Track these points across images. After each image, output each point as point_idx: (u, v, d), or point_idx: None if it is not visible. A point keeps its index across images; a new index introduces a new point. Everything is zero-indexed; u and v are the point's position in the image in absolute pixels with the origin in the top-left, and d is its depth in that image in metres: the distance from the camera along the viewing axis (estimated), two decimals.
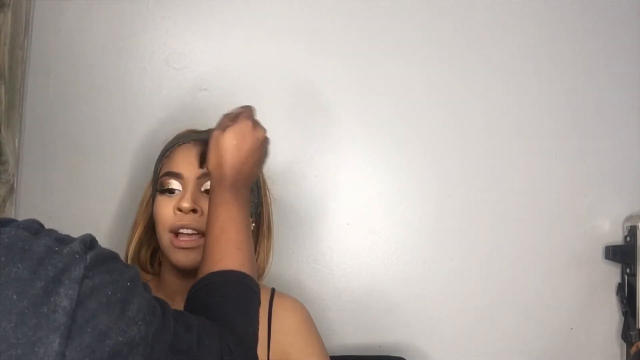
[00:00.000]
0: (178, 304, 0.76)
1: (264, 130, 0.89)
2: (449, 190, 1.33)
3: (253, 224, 1.02)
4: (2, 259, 0.48)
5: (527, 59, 1.36)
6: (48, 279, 0.48)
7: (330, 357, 1.02)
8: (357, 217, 1.31)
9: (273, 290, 1.02)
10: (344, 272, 1.30)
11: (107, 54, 1.28)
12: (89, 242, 0.53)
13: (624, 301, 1.30)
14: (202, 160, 0.94)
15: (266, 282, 1.07)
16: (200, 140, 0.98)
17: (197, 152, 0.96)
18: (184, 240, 0.92)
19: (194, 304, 0.73)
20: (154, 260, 1.07)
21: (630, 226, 1.31)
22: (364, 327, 1.29)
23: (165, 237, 0.94)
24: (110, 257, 0.54)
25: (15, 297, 0.47)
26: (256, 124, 0.88)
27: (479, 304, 1.31)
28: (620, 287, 1.32)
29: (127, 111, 1.28)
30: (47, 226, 0.56)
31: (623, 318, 1.31)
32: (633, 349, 1.26)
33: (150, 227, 1.01)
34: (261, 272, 1.05)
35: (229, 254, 0.76)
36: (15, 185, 1.24)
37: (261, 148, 0.89)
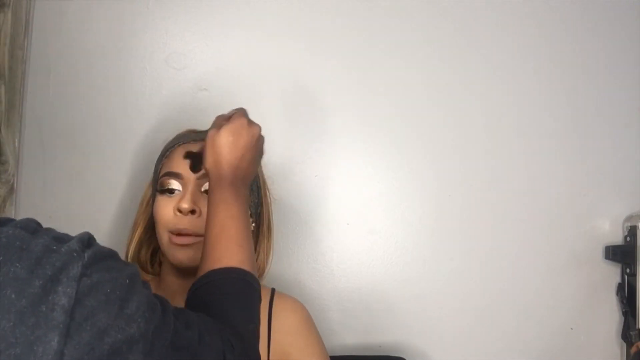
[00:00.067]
0: (178, 304, 0.75)
1: (259, 127, 0.89)
2: (449, 190, 1.33)
3: (253, 224, 1.02)
4: (0, 259, 0.48)
5: (527, 59, 1.36)
6: (46, 277, 0.48)
7: (330, 357, 1.01)
8: (357, 217, 1.31)
9: (273, 291, 1.02)
10: (344, 272, 1.30)
11: (107, 54, 1.28)
12: (87, 241, 0.53)
13: (624, 301, 1.30)
14: (195, 165, 0.94)
15: (266, 282, 1.07)
16: (201, 141, 0.98)
17: (189, 159, 0.96)
18: (182, 237, 0.92)
19: (195, 302, 0.73)
20: (154, 261, 1.07)
21: (630, 226, 1.31)
22: (364, 327, 1.29)
23: (164, 236, 0.94)
24: (108, 255, 0.54)
25: (13, 296, 0.47)
26: (251, 121, 0.89)
27: (479, 304, 1.31)
28: (620, 287, 1.32)
29: (127, 111, 1.28)
30: (47, 226, 0.56)
31: (623, 318, 1.31)
32: (633, 349, 1.25)
33: (151, 227, 1.01)
34: (261, 272, 1.05)
35: (229, 252, 0.76)
36: (15, 185, 1.24)
37: (257, 145, 0.89)
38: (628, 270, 1.29)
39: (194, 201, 0.92)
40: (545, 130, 1.35)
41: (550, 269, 1.33)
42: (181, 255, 0.92)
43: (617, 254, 1.31)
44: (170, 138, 1.04)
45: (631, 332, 1.27)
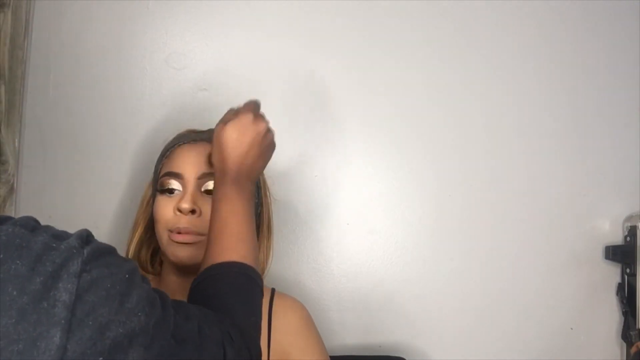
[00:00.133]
0: None
1: (266, 122, 0.89)
2: (449, 190, 1.33)
3: (255, 230, 1.02)
4: (1, 256, 0.49)
5: (527, 59, 1.36)
6: (47, 274, 0.48)
7: (330, 357, 1.02)
8: (357, 217, 1.31)
9: (273, 291, 1.03)
10: (344, 272, 1.30)
11: (107, 54, 1.28)
12: (86, 237, 0.53)
13: (624, 301, 1.30)
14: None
15: (266, 282, 1.06)
16: (201, 141, 0.98)
17: (205, 152, 0.95)
18: (182, 236, 0.92)
19: (196, 296, 0.73)
20: (154, 260, 1.07)
21: (630, 226, 1.31)
22: (364, 327, 1.29)
23: (164, 235, 0.94)
24: (107, 251, 0.55)
25: (15, 293, 0.47)
26: (257, 117, 0.89)
27: (479, 304, 1.31)
28: (620, 287, 1.32)
29: (127, 111, 1.28)
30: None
31: (623, 318, 1.31)
32: (633, 349, 1.25)
33: (151, 227, 1.01)
34: (261, 272, 1.05)
35: (231, 246, 0.76)
36: (15, 185, 1.24)
37: (263, 141, 0.88)
38: (628, 270, 1.29)
39: (194, 201, 0.92)
40: (545, 130, 1.35)
41: (550, 269, 1.33)
42: (181, 253, 0.92)
43: (617, 254, 1.31)
44: (170, 138, 1.04)
45: (631, 332, 1.27)
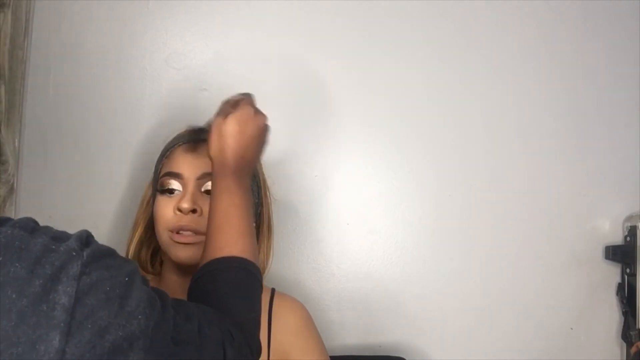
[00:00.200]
0: None
1: (265, 117, 0.89)
2: (449, 190, 1.33)
3: (253, 224, 1.02)
4: (0, 259, 0.49)
5: (527, 59, 1.36)
6: (46, 277, 0.48)
7: (330, 357, 1.02)
8: (357, 217, 1.31)
9: (273, 291, 1.03)
10: (344, 272, 1.30)
11: (107, 54, 1.28)
12: (85, 239, 0.53)
13: (624, 301, 1.30)
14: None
15: (266, 282, 1.06)
16: (201, 141, 0.98)
17: (205, 152, 0.95)
18: (183, 236, 0.92)
19: (196, 291, 0.73)
20: (154, 260, 1.07)
21: (630, 226, 1.31)
22: (364, 327, 1.29)
23: (164, 235, 0.94)
24: (107, 253, 0.54)
25: (14, 296, 0.47)
26: (257, 111, 0.89)
27: (479, 304, 1.31)
28: (620, 287, 1.32)
29: (127, 111, 1.28)
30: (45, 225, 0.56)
31: (623, 318, 1.31)
32: (633, 349, 1.25)
33: (151, 227, 1.01)
34: (261, 272, 1.05)
35: (231, 241, 0.76)
36: (15, 185, 1.24)
37: (262, 135, 0.89)
38: (628, 270, 1.29)
39: (194, 201, 0.92)
40: (545, 130, 1.35)
41: (550, 269, 1.33)
42: (182, 254, 0.92)
43: (617, 254, 1.31)
44: (170, 138, 1.04)
45: (631, 332, 1.27)
